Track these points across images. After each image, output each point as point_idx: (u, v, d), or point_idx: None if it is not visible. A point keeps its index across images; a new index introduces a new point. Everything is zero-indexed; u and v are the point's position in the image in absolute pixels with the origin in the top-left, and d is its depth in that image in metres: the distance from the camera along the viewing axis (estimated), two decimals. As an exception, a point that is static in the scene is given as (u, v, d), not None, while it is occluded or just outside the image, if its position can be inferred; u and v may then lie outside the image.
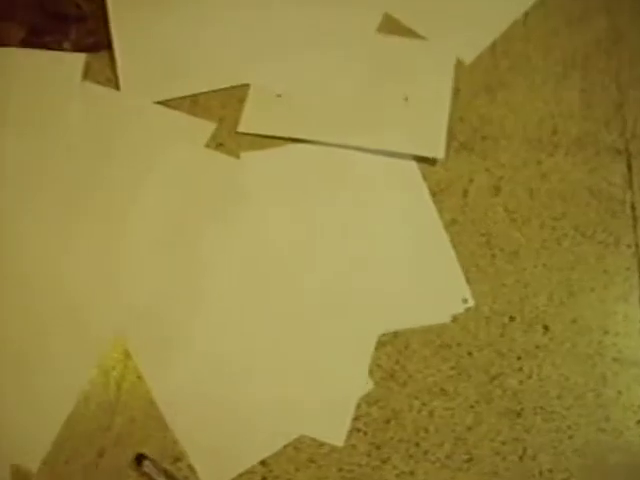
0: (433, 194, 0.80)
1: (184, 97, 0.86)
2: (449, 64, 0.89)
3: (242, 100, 0.86)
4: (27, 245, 0.76)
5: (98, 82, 0.86)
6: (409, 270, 0.76)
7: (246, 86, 0.87)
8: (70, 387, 0.70)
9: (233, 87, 0.87)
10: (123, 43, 0.88)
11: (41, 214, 0.78)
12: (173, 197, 0.79)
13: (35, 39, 0.88)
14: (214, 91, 0.86)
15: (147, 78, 0.86)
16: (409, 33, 0.92)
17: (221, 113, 0.85)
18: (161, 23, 0.89)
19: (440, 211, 0.79)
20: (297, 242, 0.78)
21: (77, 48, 0.88)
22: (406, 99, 0.86)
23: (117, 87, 0.86)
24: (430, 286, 0.76)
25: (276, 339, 0.73)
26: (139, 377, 0.71)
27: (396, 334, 0.73)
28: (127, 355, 0.72)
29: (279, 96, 0.86)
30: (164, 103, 0.85)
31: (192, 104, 0.85)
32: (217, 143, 0.83)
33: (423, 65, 0.89)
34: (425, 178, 0.81)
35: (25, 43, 0.87)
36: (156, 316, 0.73)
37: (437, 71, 0.89)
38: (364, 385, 0.71)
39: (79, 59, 0.87)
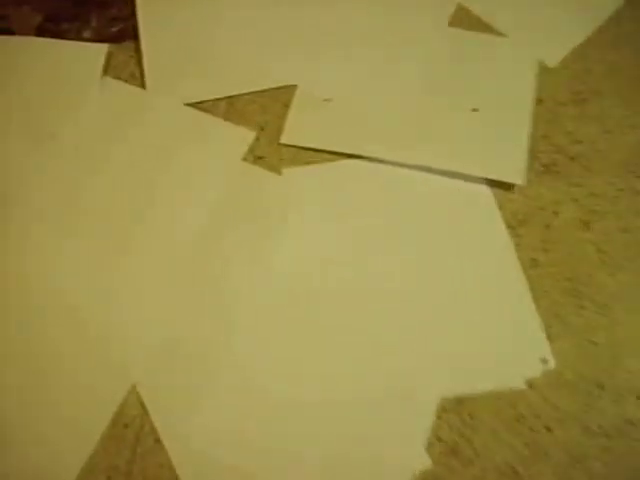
0: (509, 227, 0.68)
1: (219, 99, 0.74)
2: (531, 68, 0.75)
3: (286, 104, 0.73)
4: (36, 260, 0.66)
5: (121, 78, 0.75)
6: (477, 320, 0.64)
7: (292, 88, 0.74)
8: (78, 450, 0.59)
9: (276, 89, 0.74)
10: (151, 33, 0.76)
11: (49, 221, 0.68)
12: (203, 216, 0.67)
13: (52, 26, 0.76)
14: (254, 93, 0.74)
15: (178, 75, 0.74)
16: (484, 28, 0.78)
17: (262, 120, 0.73)
18: (196, 13, 0.76)
19: (517, 248, 0.67)
20: (344, 276, 0.65)
21: (99, 37, 0.76)
22: (476, 110, 0.73)
23: (142, 85, 0.74)
24: (502, 342, 0.63)
25: (317, 399, 0.61)
26: (157, 440, 0.60)
27: (460, 400, 0.61)
28: (144, 411, 0.61)
29: (328, 100, 0.73)
30: (196, 106, 0.73)
31: (228, 108, 0.73)
32: (256, 156, 0.71)
33: (499, 68, 0.76)
34: (500, 207, 0.68)
35: (40, 31, 0.76)
36: (177, 357, 0.62)
37: (516, 76, 0.75)
38: (420, 461, 0.59)
39: (100, 51, 0.75)
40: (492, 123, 0.72)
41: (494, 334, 0.63)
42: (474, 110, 0.73)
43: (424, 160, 0.69)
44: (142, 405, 0.61)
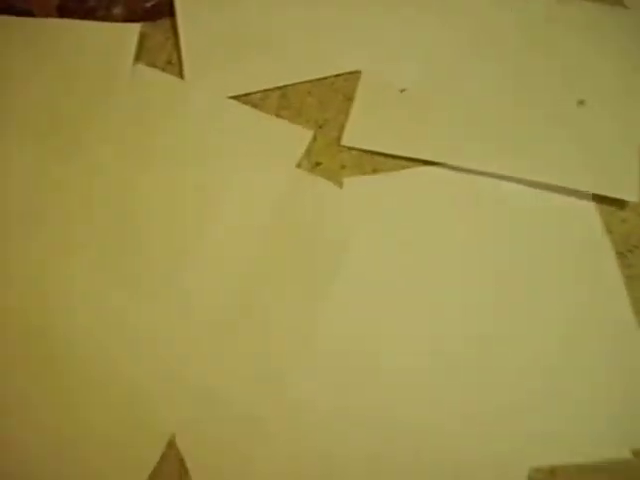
0: (619, 254, 0.56)
1: (270, 90, 0.62)
2: (651, 48, 0.61)
3: (349, 97, 0.62)
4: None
5: (156, 65, 0.64)
6: (573, 373, 0.53)
7: (355, 76, 0.62)
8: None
9: (337, 77, 0.63)
10: (190, 11, 0.64)
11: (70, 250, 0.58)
12: (249, 240, 0.57)
13: (75, 4, 0.65)
14: (311, 82, 0.62)
15: (221, 62, 0.63)
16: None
17: (319, 116, 0.62)
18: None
19: (628, 282, 0.55)
20: (416, 312, 0.55)
21: (130, 15, 0.65)
22: (581, 103, 0.60)
23: (180, 74, 0.63)
24: (604, 401, 0.52)
25: (395, 453, 0.52)
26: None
27: (553, 471, 0.51)
28: (184, 469, 0.53)
29: (402, 91, 0.61)
30: (243, 98, 0.62)
31: (281, 101, 0.62)
32: (313, 162, 0.60)
33: (614, 47, 0.62)
34: (608, 229, 0.56)
35: (62, 10, 0.65)
36: (220, 403, 0.54)
37: (633, 59, 0.61)
38: None
39: (132, 32, 0.64)
40: (600, 120, 0.59)
41: (594, 392, 0.52)
42: (580, 103, 0.59)
43: (515, 170, 0.57)
44: (182, 462, 0.53)
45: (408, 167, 0.59)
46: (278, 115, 0.62)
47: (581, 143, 0.58)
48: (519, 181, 0.57)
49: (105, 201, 0.59)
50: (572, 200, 0.57)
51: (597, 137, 0.58)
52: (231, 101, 0.62)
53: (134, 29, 0.64)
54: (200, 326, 0.55)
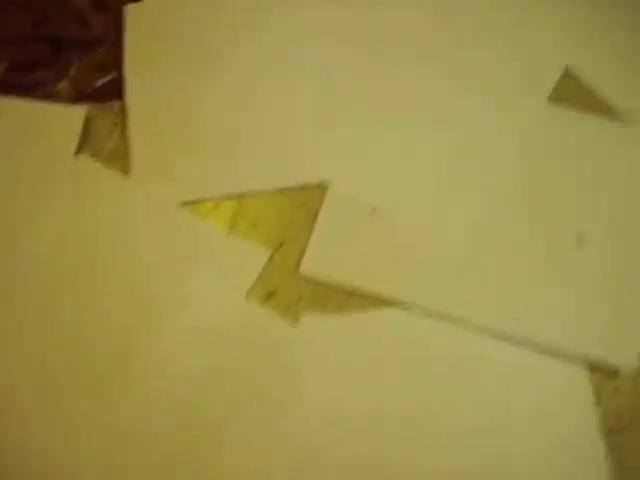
0: (608, 432, 0.48)
1: (225, 198, 0.55)
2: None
3: (314, 213, 0.54)
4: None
5: (101, 155, 0.56)
6: None
7: (322, 188, 0.54)
8: None
9: (302, 188, 0.55)
10: (142, 96, 0.57)
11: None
12: (193, 369, 0.49)
13: (18, 76, 0.58)
14: (272, 193, 0.55)
15: (172, 161, 0.55)
16: (600, 106, 0.56)
17: (280, 232, 0.54)
18: (203, 78, 0.57)
19: (615, 469, 0.47)
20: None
21: (77, 94, 0.58)
22: (581, 238, 0.52)
23: (126, 169, 0.55)
24: None
25: None
26: None
27: None
28: None
29: (374, 211, 0.53)
30: (196, 206, 0.55)
31: (237, 211, 0.55)
32: (267, 291, 0.52)
33: (617, 172, 0.54)
34: (598, 400, 0.49)
35: (3, 84, 0.57)
36: None
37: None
38: None
39: (76, 117, 0.56)
40: (600, 264, 0.51)
41: None
42: (578, 239, 0.52)
43: (497, 322, 0.50)
44: None
45: (378, 306, 0.51)
46: (232, 227, 0.54)
47: (574, 291, 0.51)
48: (499, 336, 0.50)
49: (44, 299, 0.52)
50: (560, 364, 0.49)
51: (595, 285, 0.51)
52: (179, 210, 0.54)
53: (79, 113, 0.57)
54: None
